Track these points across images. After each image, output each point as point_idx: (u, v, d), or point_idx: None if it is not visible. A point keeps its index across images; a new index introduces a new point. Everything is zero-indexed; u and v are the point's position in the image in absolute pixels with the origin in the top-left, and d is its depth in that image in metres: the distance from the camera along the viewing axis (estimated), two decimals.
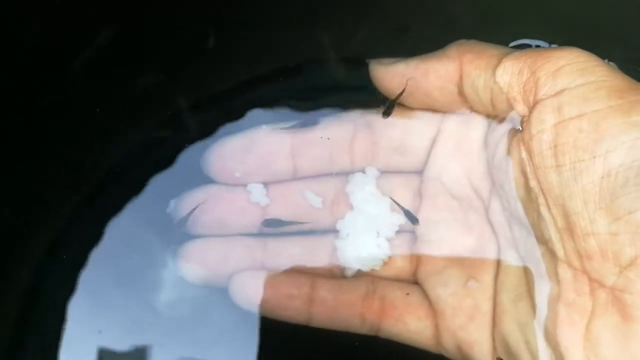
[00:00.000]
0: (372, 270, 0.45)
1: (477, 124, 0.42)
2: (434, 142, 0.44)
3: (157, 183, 0.49)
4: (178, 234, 0.45)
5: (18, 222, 0.49)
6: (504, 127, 0.40)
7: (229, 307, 0.45)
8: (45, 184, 0.50)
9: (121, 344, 0.47)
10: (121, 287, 0.48)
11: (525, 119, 0.37)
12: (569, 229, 0.35)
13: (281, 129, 0.45)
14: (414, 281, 0.44)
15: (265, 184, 0.45)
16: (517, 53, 0.38)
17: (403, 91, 0.41)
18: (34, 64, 0.48)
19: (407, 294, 0.43)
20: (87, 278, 0.48)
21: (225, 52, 0.51)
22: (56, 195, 0.50)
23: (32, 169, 0.49)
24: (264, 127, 0.46)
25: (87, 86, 0.50)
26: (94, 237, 0.48)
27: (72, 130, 0.50)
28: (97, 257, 0.48)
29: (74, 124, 0.50)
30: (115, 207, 0.49)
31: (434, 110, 0.43)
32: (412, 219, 0.44)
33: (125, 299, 0.48)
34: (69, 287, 0.47)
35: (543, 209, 0.37)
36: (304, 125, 0.45)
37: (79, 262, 0.48)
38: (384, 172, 0.46)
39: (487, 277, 0.41)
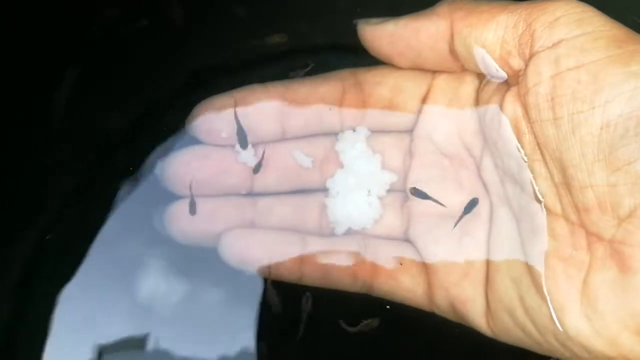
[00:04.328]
0: (363, 228, 0.44)
1: (468, 82, 0.42)
2: (424, 100, 0.43)
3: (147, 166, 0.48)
4: (165, 194, 0.44)
5: (7, 214, 0.48)
6: (496, 84, 0.39)
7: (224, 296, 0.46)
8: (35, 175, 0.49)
9: (116, 338, 0.47)
10: (114, 279, 0.47)
11: (520, 72, 0.36)
12: (566, 182, 0.35)
13: (269, 87, 0.44)
14: (405, 239, 0.44)
15: (254, 144, 0.44)
16: (511, 6, 0.37)
17: None
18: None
19: (401, 264, 0.43)
20: (80, 271, 0.47)
21: (211, 33, 0.51)
22: (45, 186, 0.49)
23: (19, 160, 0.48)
24: (250, 85, 0.45)
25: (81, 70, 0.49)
26: (86, 226, 0.48)
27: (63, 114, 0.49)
28: (89, 249, 0.47)
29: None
30: (107, 193, 0.48)
31: (424, 69, 0.42)
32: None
33: (118, 291, 0.47)
34: (60, 281, 0.47)
35: (538, 165, 0.36)
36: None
37: (70, 256, 0.47)
38: (374, 131, 0.45)
39: (480, 234, 0.41)
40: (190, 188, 0.43)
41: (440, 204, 0.42)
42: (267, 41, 0.51)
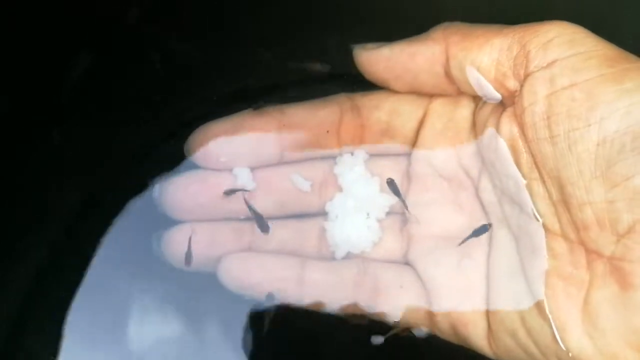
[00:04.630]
0: (363, 252, 0.44)
1: (464, 105, 0.42)
2: (421, 123, 0.43)
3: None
4: (163, 219, 0.44)
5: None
6: (492, 105, 0.39)
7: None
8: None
9: None
10: (110, 302, 0.47)
11: (516, 93, 0.37)
12: (564, 200, 0.35)
13: (267, 111, 0.44)
14: (405, 262, 0.44)
15: (252, 168, 0.44)
16: (505, 30, 0.37)
17: None
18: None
19: (401, 286, 0.43)
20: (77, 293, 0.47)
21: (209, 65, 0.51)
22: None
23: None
24: (248, 110, 0.45)
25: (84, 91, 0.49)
26: (80, 250, 0.47)
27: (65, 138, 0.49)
28: (84, 274, 0.47)
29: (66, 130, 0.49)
30: (103, 216, 0.48)
31: (420, 93, 0.43)
32: None
33: (116, 312, 0.47)
34: (59, 302, 0.47)
35: (536, 184, 0.37)
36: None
37: (67, 278, 0.47)
38: (372, 154, 0.45)
39: (480, 256, 0.41)
40: (189, 240, 0.43)
41: (406, 206, 0.43)
42: (309, 67, 0.51)
